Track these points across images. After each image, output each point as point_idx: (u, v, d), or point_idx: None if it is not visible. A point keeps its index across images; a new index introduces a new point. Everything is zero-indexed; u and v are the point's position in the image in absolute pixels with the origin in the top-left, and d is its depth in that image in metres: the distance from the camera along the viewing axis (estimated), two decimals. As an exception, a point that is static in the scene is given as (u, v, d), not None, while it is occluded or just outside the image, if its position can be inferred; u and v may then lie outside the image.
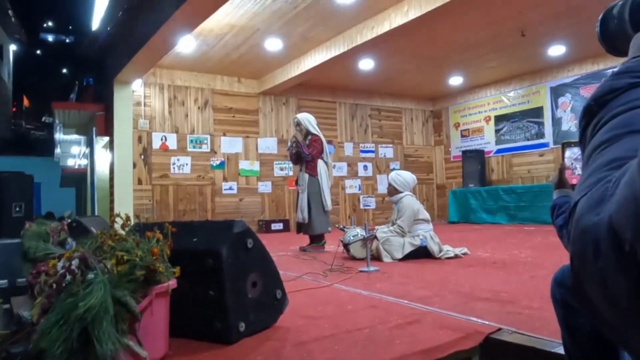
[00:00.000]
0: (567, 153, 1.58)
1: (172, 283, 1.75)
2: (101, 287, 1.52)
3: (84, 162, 12.10)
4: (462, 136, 11.08)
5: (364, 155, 10.65)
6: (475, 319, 2.10)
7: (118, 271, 1.60)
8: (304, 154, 5.46)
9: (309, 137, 5.59)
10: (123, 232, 1.83)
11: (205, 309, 1.94)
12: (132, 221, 2.00)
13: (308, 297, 2.75)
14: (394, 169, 10.82)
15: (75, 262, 1.58)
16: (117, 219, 1.87)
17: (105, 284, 1.53)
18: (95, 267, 1.57)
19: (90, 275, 1.56)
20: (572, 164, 1.52)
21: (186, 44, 7.22)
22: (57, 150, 12.93)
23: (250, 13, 6.31)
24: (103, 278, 1.54)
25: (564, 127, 9.10)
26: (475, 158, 10.08)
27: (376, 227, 4.41)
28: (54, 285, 1.54)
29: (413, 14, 5.90)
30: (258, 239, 2.11)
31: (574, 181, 1.65)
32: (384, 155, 10.93)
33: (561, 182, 1.61)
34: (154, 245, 1.68)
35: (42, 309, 1.52)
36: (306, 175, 5.49)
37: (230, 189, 9.02)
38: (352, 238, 4.29)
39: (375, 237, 4.10)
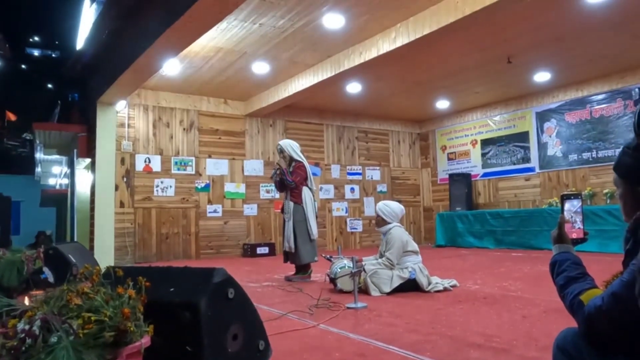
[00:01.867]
0: (567, 205, 1.53)
1: (145, 341, 1.61)
2: (64, 353, 1.38)
3: (65, 181, 11.84)
4: (449, 159, 11.09)
5: (351, 177, 10.58)
6: (468, 372, 1.99)
7: (84, 333, 1.46)
8: (287, 181, 5.35)
9: (293, 164, 5.50)
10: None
11: (182, 367, 1.80)
12: (103, 267, 1.86)
13: (293, 341, 2.62)
14: (381, 191, 10.79)
15: (37, 324, 1.44)
16: (86, 271, 1.72)
17: (69, 349, 1.40)
18: (59, 329, 1.43)
19: (54, 339, 1.42)
20: (571, 217, 1.46)
21: (171, 67, 7.13)
22: (38, 170, 12.65)
23: (237, 37, 6.25)
24: (67, 343, 1.40)
25: (550, 152, 9.16)
26: (461, 181, 10.08)
27: (364, 258, 4.30)
28: (12, 351, 1.40)
29: (400, 41, 5.89)
30: (240, 288, 1.98)
31: (574, 235, 1.58)
32: (371, 178, 10.88)
33: (561, 237, 1.53)
34: (125, 304, 1.55)
35: (-3, 378, 1.37)
36: (291, 203, 5.37)
37: (215, 211, 8.85)
38: (339, 270, 4.17)
39: (363, 270, 3.98)
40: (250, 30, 6.05)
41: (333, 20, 5.81)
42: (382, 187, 10.94)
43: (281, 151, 5.52)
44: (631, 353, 1.21)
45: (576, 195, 1.59)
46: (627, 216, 1.35)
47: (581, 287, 1.36)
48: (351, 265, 3.82)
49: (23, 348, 1.42)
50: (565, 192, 1.66)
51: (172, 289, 1.90)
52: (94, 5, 8.55)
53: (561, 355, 1.37)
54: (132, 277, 1.74)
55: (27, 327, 1.42)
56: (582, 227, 1.58)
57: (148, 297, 1.72)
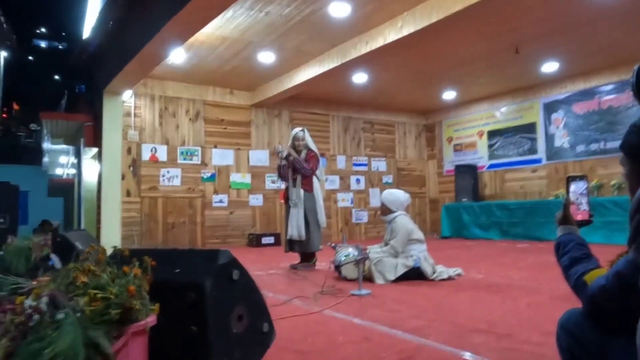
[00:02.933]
0: (572, 187, 1.52)
1: (151, 320, 1.63)
2: (71, 329, 1.40)
3: (72, 171, 11.93)
4: (455, 150, 11.04)
5: (356, 168, 10.57)
6: (472, 355, 1.99)
7: (91, 310, 1.48)
8: (305, 169, 5.33)
9: (305, 152, 5.49)
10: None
11: (187, 347, 1.82)
12: (109, 250, 1.88)
13: (297, 325, 2.63)
14: (386, 182, 10.77)
15: (44, 301, 1.46)
16: (92, 251, 1.74)
17: (75, 325, 1.41)
18: (66, 306, 1.45)
19: (60, 315, 1.44)
20: (577, 198, 1.45)
21: (177, 56, 7.12)
22: (45, 159, 12.74)
23: (243, 26, 6.24)
24: (74, 318, 1.42)
25: (557, 143, 9.09)
26: (468, 173, 10.04)
27: (368, 246, 4.31)
28: (20, 327, 1.42)
29: (407, 30, 5.85)
30: (244, 269, 1.99)
31: (579, 217, 1.57)
32: (377, 169, 10.86)
33: (566, 218, 1.53)
34: (131, 282, 1.56)
35: (5, 353, 1.40)
36: (301, 191, 5.36)
37: (221, 201, 8.88)
38: (343, 258, 4.18)
39: (367, 258, 3.99)
40: (257, 19, 6.03)
41: (339, 9, 5.78)
42: (387, 179, 10.92)
43: (302, 138, 5.49)
44: (635, 332, 1.21)
45: (582, 177, 1.58)
46: (633, 195, 1.34)
47: (585, 268, 1.36)
48: (356, 254, 3.83)
49: (30, 324, 1.44)
50: (571, 174, 1.65)
51: (177, 270, 1.92)
52: (100, -5, 8.55)
53: (565, 336, 1.37)
54: (138, 257, 1.75)
55: (34, 303, 1.44)
56: (587, 208, 1.57)
57: (153, 278, 1.74)
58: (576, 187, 1.58)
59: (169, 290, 1.79)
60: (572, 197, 1.58)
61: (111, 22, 6.66)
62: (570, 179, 1.58)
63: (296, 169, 5.37)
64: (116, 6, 6.31)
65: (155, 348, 1.69)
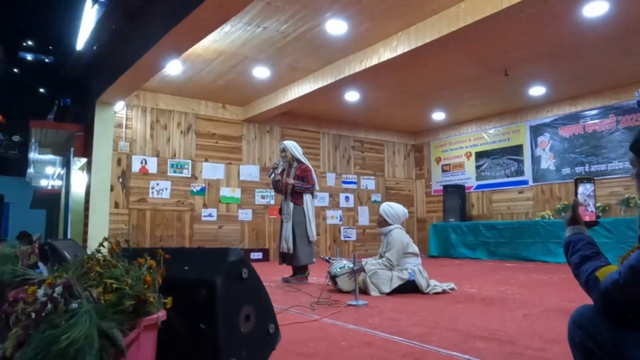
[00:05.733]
0: (580, 189, 1.57)
1: (162, 315, 1.62)
2: (86, 318, 1.38)
3: (58, 183, 11.74)
4: (443, 171, 11.18)
5: (345, 186, 10.62)
6: (477, 359, 2.01)
7: (105, 300, 1.47)
8: (307, 187, 5.35)
9: (295, 165, 5.52)
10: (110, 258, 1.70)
11: (195, 344, 1.80)
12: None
13: (297, 332, 2.62)
14: (375, 201, 10.83)
15: (58, 290, 1.44)
16: (105, 243, 1.73)
17: (91, 315, 1.40)
18: (81, 295, 1.44)
19: (74, 305, 1.42)
20: (585, 200, 1.50)
21: (173, 68, 7.15)
22: (30, 170, 12.51)
23: (240, 40, 6.30)
24: (89, 308, 1.40)
25: (543, 165, 9.28)
26: (455, 193, 10.15)
27: (363, 259, 4.32)
28: (33, 315, 1.40)
29: (401, 49, 5.98)
30: (253, 269, 1.99)
31: (587, 218, 1.61)
32: (366, 187, 10.92)
33: (574, 219, 1.57)
34: (145, 273, 1.55)
35: (17, 341, 1.37)
36: (291, 204, 5.38)
37: (210, 215, 8.81)
38: (339, 270, 4.18)
39: (363, 270, 3.99)
40: (254, 34, 6.11)
41: (335, 27, 5.89)
42: (376, 197, 10.98)
43: (283, 150, 5.55)
44: (648, 325, 1.24)
45: (589, 179, 1.64)
46: None
47: (596, 265, 1.39)
48: (351, 266, 3.84)
49: (44, 314, 1.42)
50: (579, 176, 1.70)
51: (186, 268, 1.91)
52: (96, 6, 8.60)
53: (578, 331, 1.39)
54: (150, 252, 1.74)
55: (49, 292, 1.42)
56: (594, 210, 1.62)
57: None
58: (584, 189, 1.63)
59: (178, 288, 1.78)
60: (580, 198, 1.62)
61: (108, 33, 6.68)
62: (578, 181, 1.63)
63: (298, 192, 5.37)
64: (114, 17, 6.34)
65: (163, 344, 1.67)
